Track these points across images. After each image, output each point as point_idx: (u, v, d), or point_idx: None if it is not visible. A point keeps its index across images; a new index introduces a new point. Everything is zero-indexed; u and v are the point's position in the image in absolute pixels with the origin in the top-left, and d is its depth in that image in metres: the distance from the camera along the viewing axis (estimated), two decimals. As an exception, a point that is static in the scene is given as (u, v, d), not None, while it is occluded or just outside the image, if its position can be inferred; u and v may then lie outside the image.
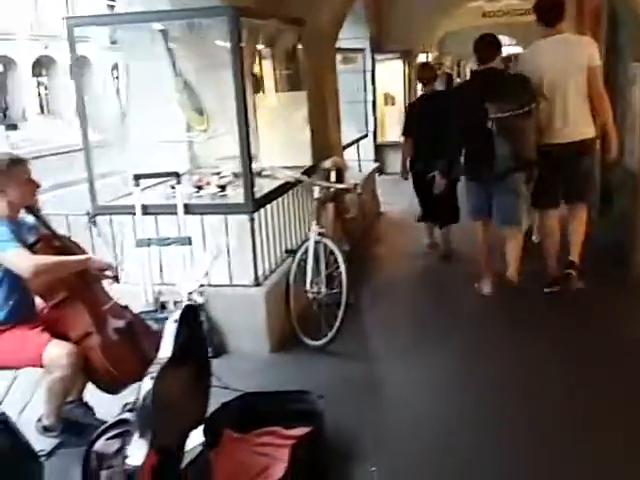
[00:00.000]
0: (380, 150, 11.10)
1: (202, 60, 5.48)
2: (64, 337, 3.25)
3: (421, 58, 13.39)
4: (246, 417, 3.40)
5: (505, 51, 8.41)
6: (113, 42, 18.30)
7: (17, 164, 3.25)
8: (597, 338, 4.46)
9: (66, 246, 3.41)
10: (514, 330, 4.68)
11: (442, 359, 4.29)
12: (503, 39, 19.45)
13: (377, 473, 3.10)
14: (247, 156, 4.27)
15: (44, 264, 3.13)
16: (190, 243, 4.37)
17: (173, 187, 4.72)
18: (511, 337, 4.58)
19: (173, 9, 4.33)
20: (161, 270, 4.55)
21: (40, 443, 3.25)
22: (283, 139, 5.68)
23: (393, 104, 11.71)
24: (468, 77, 8.33)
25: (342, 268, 4.33)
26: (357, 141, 8.50)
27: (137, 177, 4.38)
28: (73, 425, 3.43)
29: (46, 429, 3.34)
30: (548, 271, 5.29)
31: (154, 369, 2.80)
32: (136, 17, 4.37)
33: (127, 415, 2.92)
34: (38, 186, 3.33)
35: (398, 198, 8.97)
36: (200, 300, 3.31)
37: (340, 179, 4.93)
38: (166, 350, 2.94)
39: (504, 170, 4.85)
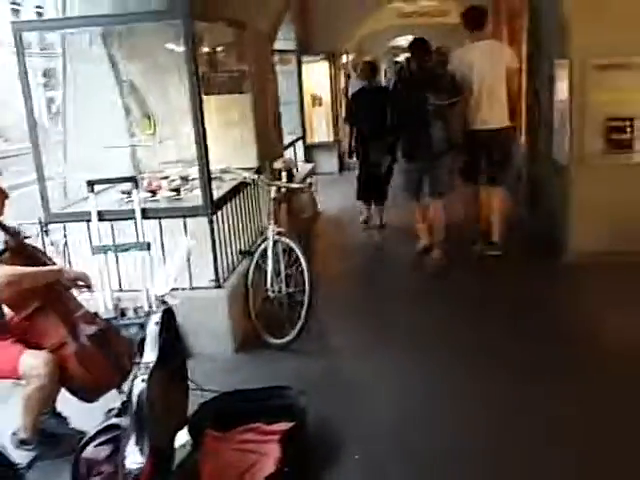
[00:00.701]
0: (309, 151, 11.20)
1: (145, 63, 5.46)
2: (37, 347, 3.19)
3: (343, 59, 13.63)
4: (226, 416, 3.44)
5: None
6: (42, 48, 17.72)
7: (-13, 174, 3.18)
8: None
9: (34, 255, 3.36)
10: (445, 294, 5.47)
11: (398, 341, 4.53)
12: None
13: (360, 460, 3.22)
14: (205, 159, 4.28)
15: (17, 274, 3.07)
16: (149, 248, 4.35)
17: (124, 192, 4.68)
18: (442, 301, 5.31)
19: (128, 12, 4.29)
20: (119, 277, 4.49)
21: (17, 456, 3.19)
22: (228, 141, 5.70)
23: (320, 105, 11.85)
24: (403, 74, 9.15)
25: (304, 266, 4.41)
26: (294, 142, 8.59)
27: (90, 183, 4.31)
28: (49, 436, 3.37)
29: (22, 442, 3.27)
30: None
31: (142, 372, 2.81)
32: (90, 21, 4.30)
33: (115, 420, 2.93)
34: (7, 196, 3.26)
35: (333, 197, 9.16)
36: (175, 302, 3.29)
37: (290, 179, 5.01)
38: (151, 352, 2.96)
39: (439, 151, 5.89)
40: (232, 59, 5.82)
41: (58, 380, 3.16)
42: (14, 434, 3.30)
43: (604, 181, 5.70)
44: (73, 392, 3.26)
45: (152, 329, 3.03)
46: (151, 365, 2.85)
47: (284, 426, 3.35)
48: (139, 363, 2.89)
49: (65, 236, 4.52)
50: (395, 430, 3.50)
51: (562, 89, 6.07)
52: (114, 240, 4.39)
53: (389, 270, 6.41)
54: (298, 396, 3.51)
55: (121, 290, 4.48)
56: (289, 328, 4.49)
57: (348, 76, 13.75)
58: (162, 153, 5.68)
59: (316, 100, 11.67)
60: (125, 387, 3.29)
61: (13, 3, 27.08)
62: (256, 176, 4.73)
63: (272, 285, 4.59)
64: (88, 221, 4.37)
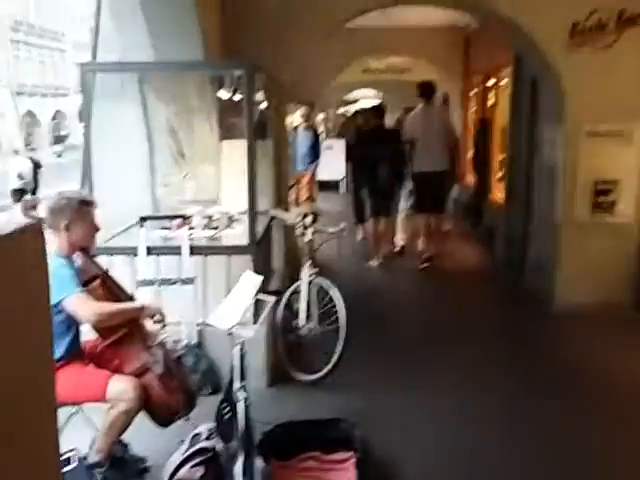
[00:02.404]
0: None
1: (177, 106, 5.69)
2: (117, 372, 3.34)
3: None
4: (287, 445, 3.64)
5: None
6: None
7: (87, 205, 3.34)
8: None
9: (116, 285, 3.52)
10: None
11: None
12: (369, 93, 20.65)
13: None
14: (252, 200, 4.54)
15: (106, 313, 3.23)
16: (192, 282, 4.55)
17: (165, 228, 4.89)
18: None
19: (195, 60, 4.56)
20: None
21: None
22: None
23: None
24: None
25: (340, 306, 4.68)
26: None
27: (143, 219, 4.51)
28: (117, 461, 3.49)
29: (94, 466, 3.37)
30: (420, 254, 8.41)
31: (243, 395, 3.02)
32: (155, 66, 4.55)
33: (205, 444, 3.10)
34: (98, 229, 3.43)
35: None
36: (249, 334, 3.48)
37: (315, 222, 5.29)
38: (240, 379, 3.18)
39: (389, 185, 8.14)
40: (258, 106, 6.12)
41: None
42: (84, 458, 3.40)
43: (591, 238, 6.24)
44: (151, 415, 3.39)
45: (238, 357, 3.25)
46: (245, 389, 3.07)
47: (339, 456, 3.59)
48: (232, 388, 3.09)
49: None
50: (444, 464, 3.78)
51: (551, 152, 6.64)
52: (158, 274, 4.56)
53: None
54: (353, 427, 3.75)
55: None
56: (320, 365, 4.72)
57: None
58: (181, 192, 5.88)
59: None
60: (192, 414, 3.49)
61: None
62: (297, 220, 5.01)
63: (304, 323, 4.82)
64: (134, 255, 4.54)
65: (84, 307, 3.20)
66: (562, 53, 6.12)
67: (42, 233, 1.28)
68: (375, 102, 15.44)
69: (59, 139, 40.96)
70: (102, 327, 3.31)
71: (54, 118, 42.64)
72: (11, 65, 34.35)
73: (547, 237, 6.76)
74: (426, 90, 8.15)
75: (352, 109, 21.50)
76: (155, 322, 3.57)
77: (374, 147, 8.01)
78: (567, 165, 6.32)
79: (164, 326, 3.62)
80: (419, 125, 8.00)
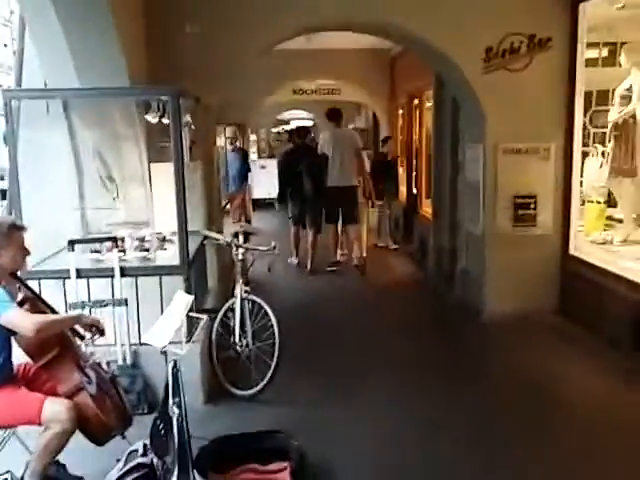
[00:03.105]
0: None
1: (104, 130, 5.71)
2: (50, 394, 3.34)
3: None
4: (224, 458, 3.71)
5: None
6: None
7: (17, 229, 3.36)
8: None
9: (47, 307, 3.54)
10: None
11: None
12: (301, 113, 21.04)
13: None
14: (184, 223, 4.61)
15: (45, 321, 3.24)
16: (126, 304, 4.58)
17: (94, 251, 4.90)
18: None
19: (120, 87, 4.62)
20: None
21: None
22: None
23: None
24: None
25: (273, 321, 4.79)
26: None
27: (72, 242, 4.51)
28: (52, 482, 3.48)
29: (29, 487, 3.36)
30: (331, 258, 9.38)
31: (178, 412, 3.08)
32: (79, 92, 4.58)
33: (141, 460, 3.14)
34: (28, 253, 3.45)
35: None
36: (181, 353, 3.55)
37: (247, 241, 5.38)
38: (176, 396, 3.24)
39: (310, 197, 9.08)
40: (186, 129, 6.19)
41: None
42: (19, 480, 3.38)
43: (514, 250, 6.55)
44: (87, 435, 3.40)
45: (171, 374, 3.31)
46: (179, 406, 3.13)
47: (277, 466, 3.68)
48: (167, 405, 3.15)
49: (40, 291, 4.61)
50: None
51: (473, 169, 6.94)
52: (89, 297, 4.57)
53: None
54: (288, 438, 3.84)
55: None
56: (256, 380, 4.80)
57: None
58: (109, 215, 5.89)
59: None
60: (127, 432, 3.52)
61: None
62: (229, 239, 5.09)
63: (239, 340, 4.90)
64: (65, 278, 4.53)
65: (23, 319, 3.19)
66: (479, 75, 6.44)
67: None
68: (304, 123, 15.95)
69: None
70: (33, 347, 3.30)
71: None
72: None
73: (473, 250, 7.04)
74: (334, 115, 9.41)
75: (285, 128, 21.83)
76: (93, 333, 3.58)
77: (298, 162, 9.14)
78: (488, 181, 6.64)
79: (102, 336, 3.62)
80: (329, 145, 9.16)
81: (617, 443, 4.17)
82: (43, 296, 3.71)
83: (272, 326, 4.82)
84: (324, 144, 9.26)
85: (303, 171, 8.99)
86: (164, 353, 3.62)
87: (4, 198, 12.14)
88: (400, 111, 12.83)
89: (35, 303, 3.44)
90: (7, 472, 3.15)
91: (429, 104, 10.07)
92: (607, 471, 3.84)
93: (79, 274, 4.55)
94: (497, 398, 4.90)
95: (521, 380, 5.20)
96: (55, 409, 3.23)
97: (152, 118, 5.00)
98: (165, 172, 6.15)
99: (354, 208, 9.25)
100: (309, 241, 9.25)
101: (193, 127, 5.70)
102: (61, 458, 3.63)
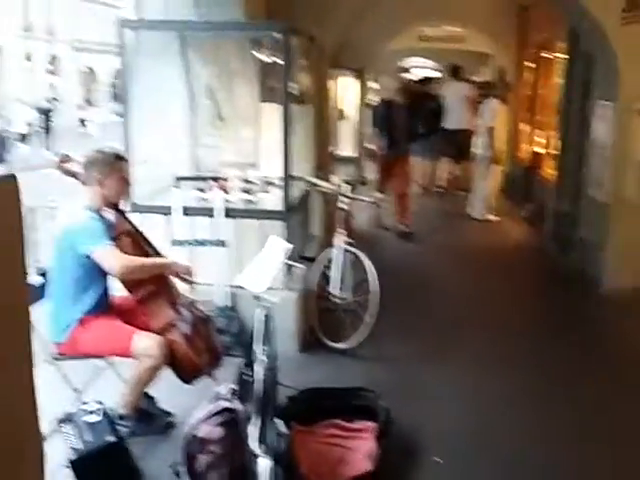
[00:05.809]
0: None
1: (219, 68, 5.65)
2: (143, 328, 3.36)
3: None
4: (309, 411, 3.64)
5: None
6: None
7: (120, 160, 3.37)
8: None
9: (146, 242, 3.54)
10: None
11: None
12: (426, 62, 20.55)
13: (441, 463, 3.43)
14: (287, 167, 4.49)
15: (133, 265, 3.26)
16: (224, 245, 4.55)
17: (200, 190, 4.88)
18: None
19: (234, 20, 4.51)
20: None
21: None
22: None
23: (343, 118, 11.99)
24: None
25: (372, 276, 4.63)
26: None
27: (179, 179, 4.51)
28: (144, 414, 3.54)
29: (121, 418, 3.42)
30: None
31: (264, 360, 3.00)
32: (191, 25, 4.52)
33: (227, 404, 3.08)
34: (129, 185, 3.45)
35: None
36: (275, 300, 3.46)
37: (353, 191, 5.23)
38: (262, 344, 3.16)
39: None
40: (298, 70, 6.03)
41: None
42: (111, 410, 3.45)
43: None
44: (177, 372, 3.41)
45: (262, 322, 3.24)
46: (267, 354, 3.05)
47: (363, 425, 3.57)
48: (250, 352, 3.08)
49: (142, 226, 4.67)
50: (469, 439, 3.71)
51: (602, 130, 6.38)
52: (192, 235, 4.58)
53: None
54: (377, 398, 3.71)
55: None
56: (351, 334, 4.69)
57: None
58: (221, 155, 5.86)
59: (344, 114, 11.87)
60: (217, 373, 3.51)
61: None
62: (336, 187, 4.95)
63: (338, 291, 4.79)
64: (166, 214, 4.55)
65: (111, 258, 3.23)
66: (617, 26, 5.85)
67: (17, 190, 1.20)
68: (429, 73, 15.62)
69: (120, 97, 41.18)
70: (130, 281, 3.33)
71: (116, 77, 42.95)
72: (70, 21, 34.54)
73: (596, 217, 6.54)
74: (454, 71, 11.78)
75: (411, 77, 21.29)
76: (183, 280, 3.57)
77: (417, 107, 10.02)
78: (618, 144, 6.09)
79: (192, 284, 3.62)
80: (448, 94, 11.27)
81: None
82: (146, 231, 3.73)
83: (370, 282, 4.65)
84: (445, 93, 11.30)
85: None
86: (257, 298, 3.55)
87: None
88: (527, 64, 12.05)
89: (135, 238, 3.45)
90: (99, 402, 3.20)
91: (559, 57, 9.35)
92: None
93: (184, 211, 4.54)
94: (609, 374, 4.54)
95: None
96: (146, 343, 3.25)
97: (265, 56, 4.85)
98: (275, 114, 6.07)
99: (462, 147, 10.84)
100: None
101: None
102: (151, 392, 3.72)
